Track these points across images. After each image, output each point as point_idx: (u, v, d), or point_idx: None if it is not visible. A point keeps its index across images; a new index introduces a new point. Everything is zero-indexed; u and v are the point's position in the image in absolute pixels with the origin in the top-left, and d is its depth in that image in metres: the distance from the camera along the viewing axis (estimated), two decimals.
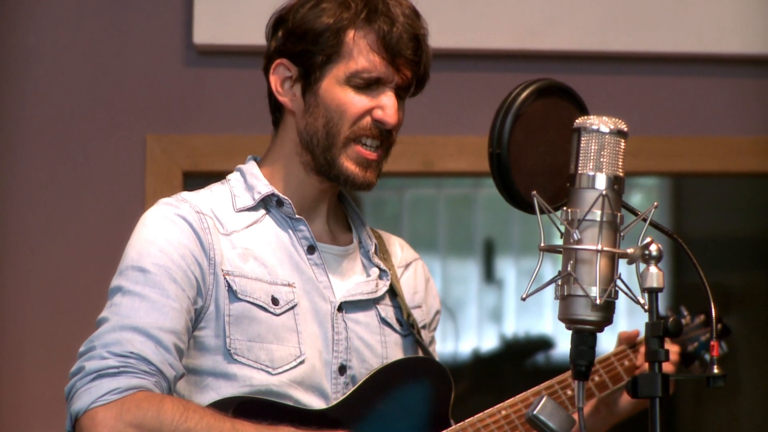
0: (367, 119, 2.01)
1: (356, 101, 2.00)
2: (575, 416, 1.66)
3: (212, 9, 3.25)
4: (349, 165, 2.01)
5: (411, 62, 2.01)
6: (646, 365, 2.26)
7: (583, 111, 1.78)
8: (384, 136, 2.02)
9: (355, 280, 2.09)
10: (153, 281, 1.89)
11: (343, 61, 2.00)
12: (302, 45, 2.01)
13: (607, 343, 2.35)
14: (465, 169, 3.38)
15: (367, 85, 2.00)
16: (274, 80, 2.06)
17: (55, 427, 2.02)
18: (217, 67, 3.32)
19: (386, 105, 2.00)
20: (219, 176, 2.12)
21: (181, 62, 3.31)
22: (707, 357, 2.37)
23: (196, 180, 3.09)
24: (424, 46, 2.03)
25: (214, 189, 2.08)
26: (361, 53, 1.99)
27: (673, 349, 2.37)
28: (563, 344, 3.91)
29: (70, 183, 3.26)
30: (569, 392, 2.17)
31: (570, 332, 1.64)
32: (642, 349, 2.28)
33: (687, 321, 2.43)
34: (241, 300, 1.96)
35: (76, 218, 3.26)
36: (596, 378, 2.25)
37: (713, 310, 1.70)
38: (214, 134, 3.30)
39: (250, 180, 2.07)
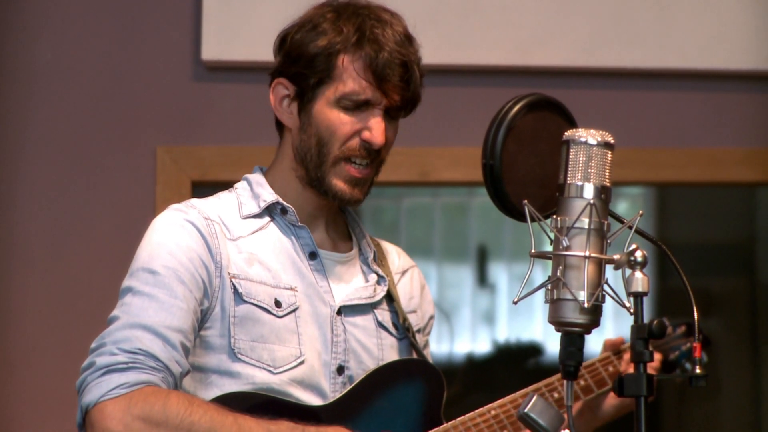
0: (356, 140, 2.00)
1: (345, 122, 2.00)
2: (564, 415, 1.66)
3: (220, 27, 3.25)
4: (337, 182, 2.01)
5: (398, 87, 1.99)
6: (630, 370, 2.26)
7: (572, 124, 1.77)
8: (372, 156, 2.02)
9: (354, 285, 2.09)
10: (162, 282, 1.90)
11: (333, 84, 2.00)
12: (297, 67, 2.02)
13: (594, 345, 2.35)
14: (459, 179, 3.37)
15: (356, 106, 2.00)
16: (273, 98, 2.06)
17: (68, 419, 2.02)
18: (225, 82, 3.31)
19: (373, 126, 2.00)
20: (226, 185, 2.13)
21: (190, 77, 3.31)
22: (687, 366, 2.37)
23: (204, 189, 3.08)
24: (413, 71, 2.01)
25: (222, 196, 2.08)
26: (351, 77, 1.99)
27: (655, 357, 2.37)
28: (552, 347, 3.90)
29: (83, 192, 3.26)
30: (555, 395, 2.16)
31: (559, 334, 1.64)
32: (626, 356, 2.28)
33: (669, 332, 2.42)
34: (246, 302, 1.96)
35: (90, 225, 3.26)
36: (582, 382, 2.24)
37: (695, 313, 1.69)
38: (222, 146, 3.30)
39: (256, 188, 2.07)
